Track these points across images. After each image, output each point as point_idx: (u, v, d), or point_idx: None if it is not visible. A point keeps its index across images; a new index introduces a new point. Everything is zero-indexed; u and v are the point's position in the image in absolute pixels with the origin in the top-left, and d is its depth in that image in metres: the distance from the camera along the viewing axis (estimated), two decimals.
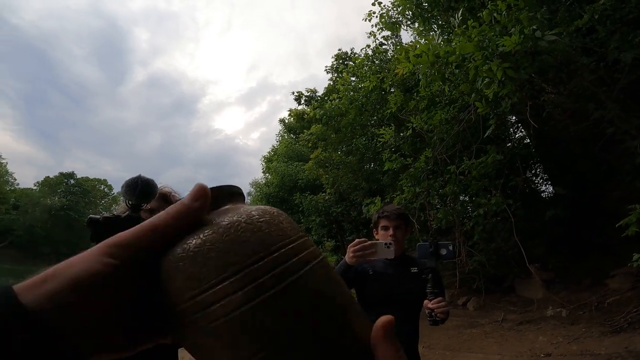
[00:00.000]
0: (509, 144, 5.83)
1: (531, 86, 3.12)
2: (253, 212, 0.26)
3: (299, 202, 15.52)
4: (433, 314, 1.46)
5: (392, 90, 5.85)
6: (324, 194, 14.46)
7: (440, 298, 1.48)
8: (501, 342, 4.99)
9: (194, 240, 0.24)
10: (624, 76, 2.67)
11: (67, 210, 37.05)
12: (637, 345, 3.59)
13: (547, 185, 7.00)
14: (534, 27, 2.26)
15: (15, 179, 36.78)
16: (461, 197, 6.57)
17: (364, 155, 8.75)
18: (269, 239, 0.25)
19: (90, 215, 1.09)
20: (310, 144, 11.49)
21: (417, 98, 5.21)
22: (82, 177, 41.47)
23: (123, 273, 0.22)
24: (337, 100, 7.09)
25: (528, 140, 6.10)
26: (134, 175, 1.18)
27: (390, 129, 5.97)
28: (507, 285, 6.41)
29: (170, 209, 0.25)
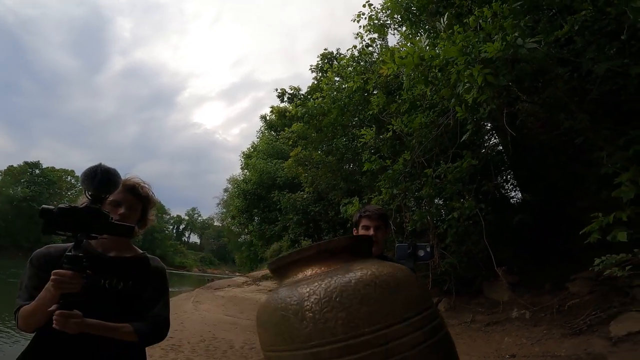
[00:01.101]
0: (484, 150, 5.99)
1: (508, 94, 3.19)
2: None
3: (277, 199, 15.35)
4: None
5: (375, 92, 5.87)
6: (302, 192, 14.38)
7: None
8: (470, 343, 5.11)
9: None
10: (596, 87, 2.78)
11: (30, 201, 34.81)
12: (595, 347, 3.75)
13: (517, 192, 7.29)
14: (516, 34, 2.30)
15: None
16: (436, 200, 6.69)
17: (343, 156, 8.75)
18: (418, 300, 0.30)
19: (43, 205, 1.00)
20: (290, 142, 11.39)
21: (399, 101, 5.25)
22: (48, 167, 39.13)
23: None
24: (320, 99, 7.04)
25: (501, 147, 6.32)
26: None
27: (371, 130, 5.98)
28: (476, 287, 6.59)
29: None
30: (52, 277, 0.99)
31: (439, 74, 3.03)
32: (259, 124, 23.57)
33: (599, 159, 2.85)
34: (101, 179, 1.04)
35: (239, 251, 31.34)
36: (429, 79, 3.07)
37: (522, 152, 5.82)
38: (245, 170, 20.91)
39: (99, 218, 1.03)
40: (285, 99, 16.04)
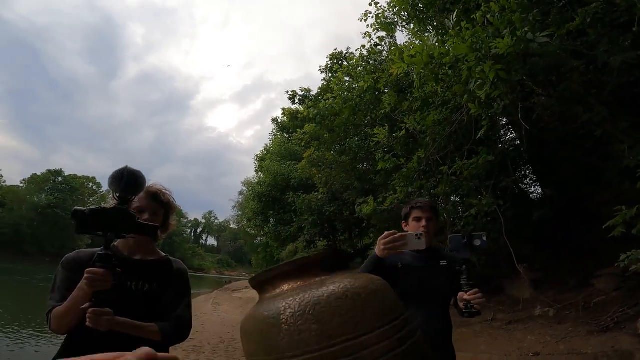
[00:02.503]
0: (500, 145, 5.90)
1: (522, 88, 3.16)
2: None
3: (291, 201, 15.49)
4: (469, 305, 1.44)
5: (386, 90, 5.88)
6: (316, 193, 14.46)
7: (476, 289, 1.46)
8: (490, 341, 5.04)
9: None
10: (613, 80, 2.72)
11: (54, 208, 36.28)
12: (622, 345, 3.66)
13: (536, 187, 7.12)
14: (526, 29, 2.29)
15: (2, 176, 35.88)
16: (452, 198, 6.63)
17: (357, 155, 8.75)
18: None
19: (76, 207, 1.06)
20: (303, 143, 11.49)
21: (411, 99, 5.24)
22: (70, 175, 40.68)
23: None
24: (331, 100, 7.09)
25: (518, 142, 6.20)
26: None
27: (384, 129, 5.99)
28: (496, 285, 6.49)
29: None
30: (85, 275, 1.05)
31: (450, 71, 3.04)
32: (272, 126, 23.80)
33: (618, 152, 2.78)
34: (127, 181, 1.09)
35: (256, 253, 31.70)
36: (440, 76, 3.08)
37: (540, 147, 5.70)
38: (260, 173, 21.18)
39: (127, 218, 1.09)
40: (297, 100, 16.16)
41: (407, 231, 1.68)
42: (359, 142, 8.58)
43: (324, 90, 9.96)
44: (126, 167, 1.11)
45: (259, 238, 26.70)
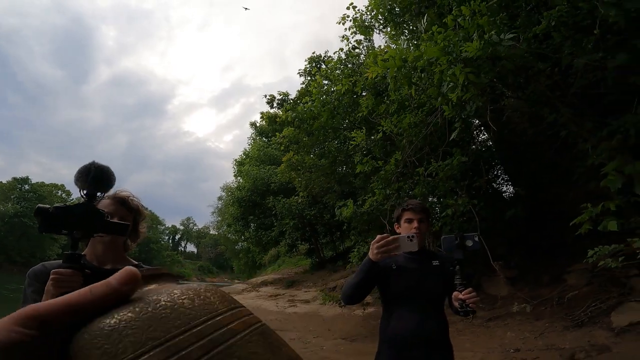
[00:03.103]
0: (473, 146, 6.04)
1: (492, 91, 3.23)
2: (175, 291, 0.27)
3: (272, 205, 15.32)
4: (464, 304, 1.46)
5: (364, 93, 5.90)
6: (297, 197, 14.37)
7: (470, 289, 1.48)
8: (473, 339, 5.10)
9: (109, 320, 0.24)
10: (577, 81, 2.82)
11: (21, 217, 34.29)
12: (598, 339, 3.78)
13: (508, 186, 7.34)
14: (493, 32, 2.33)
15: None
16: (430, 199, 6.72)
17: (336, 158, 8.76)
18: (192, 314, 0.25)
19: (39, 205, 1.00)
20: (282, 147, 11.36)
21: (388, 102, 5.28)
22: (38, 182, 38.61)
23: (34, 346, 0.23)
24: (309, 103, 7.04)
25: (490, 143, 6.37)
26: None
27: (362, 132, 6.00)
28: (475, 283, 6.61)
29: (95, 288, 0.25)
30: (51, 276, 0.98)
31: (423, 74, 3.06)
32: (250, 130, 23.54)
33: (584, 151, 2.89)
34: (94, 175, 1.03)
35: (237, 258, 31.14)
36: (413, 80, 3.10)
37: (510, 147, 5.87)
38: (239, 178, 20.83)
39: (95, 216, 1.02)
40: (275, 104, 16.07)
41: (399, 233, 1.69)
42: (338, 145, 8.58)
43: (302, 94, 9.93)
44: (93, 162, 1.05)
45: (239, 243, 26.23)
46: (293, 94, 15.65)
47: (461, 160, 4.52)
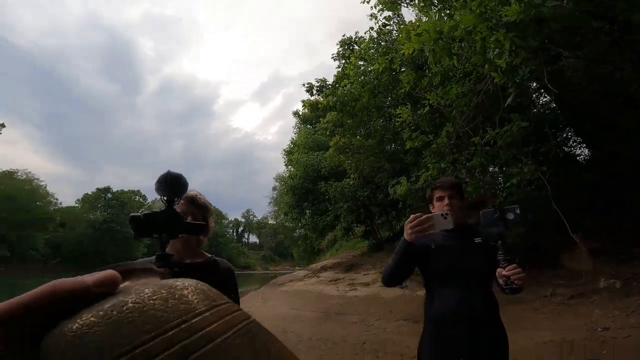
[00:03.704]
0: (534, 110, 5.52)
1: (546, 52, 2.91)
2: (146, 291, 0.25)
3: (324, 190, 15.68)
4: (509, 281, 1.41)
5: (403, 69, 5.71)
6: (348, 179, 14.49)
7: (515, 265, 1.42)
8: (553, 317, 4.84)
9: (72, 325, 0.23)
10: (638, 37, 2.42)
11: (109, 222, 39.79)
12: None
13: (582, 149, 6.55)
14: None
15: (57, 199, 39.83)
16: (490, 168, 6.36)
17: (383, 137, 8.65)
18: (164, 316, 0.23)
19: (132, 213, 1.16)
20: (328, 132, 11.51)
21: (430, 75, 5.06)
22: (118, 190, 44.23)
23: None
24: (348, 86, 7.03)
25: (554, 105, 5.73)
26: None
27: (407, 108, 5.85)
28: (551, 258, 6.16)
29: (62, 284, 0.24)
30: None
31: (462, 44, 2.88)
32: (294, 119, 24.02)
33: None
34: (171, 183, 1.17)
35: (296, 245, 32.63)
36: (453, 50, 2.94)
37: (576, 109, 5.23)
38: (289, 167, 21.56)
39: (176, 219, 1.17)
40: (314, 91, 16.18)
41: (433, 212, 1.67)
42: (384, 123, 8.44)
43: (339, 77, 9.89)
44: (168, 171, 1.19)
45: (297, 231, 27.40)
46: (330, 79, 15.62)
47: (521, 126, 4.19)
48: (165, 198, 1.17)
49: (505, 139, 4.49)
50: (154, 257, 1.27)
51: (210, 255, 1.54)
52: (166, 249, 1.17)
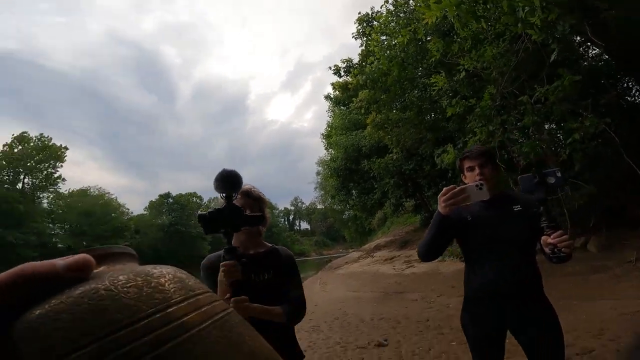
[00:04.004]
0: (585, 63, 4.88)
1: (584, 6, 2.53)
2: (120, 278, 0.25)
3: (367, 168, 15.54)
4: (556, 249, 1.34)
5: (429, 38, 5.40)
6: (391, 154, 14.19)
7: (561, 231, 1.35)
8: (638, 285, 4.39)
9: (40, 310, 0.22)
10: None
11: (175, 225, 43.78)
12: None
13: None
14: None
15: (128, 208, 44.63)
16: (546, 126, 5.83)
17: (421, 108, 8.35)
18: (137, 305, 0.23)
19: (199, 212, 1.24)
20: (363, 110, 11.37)
21: (459, 40, 4.72)
22: (177, 194, 48.25)
23: None
24: (375, 62, 6.84)
25: (606, 57, 5.00)
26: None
27: (441, 76, 5.56)
28: (632, 218, 5.51)
29: (33, 266, 0.23)
30: (221, 268, 1.24)
31: (488, 5, 2.63)
32: (326, 103, 23.88)
33: None
34: (227, 179, 1.23)
35: (346, 227, 33.01)
36: (479, 13, 2.70)
37: (630, 57, 4.50)
38: (330, 150, 21.65)
39: (238, 213, 1.23)
40: (342, 72, 15.94)
41: (467, 183, 1.61)
42: (419, 94, 8.13)
43: (364, 55, 9.65)
44: (223, 169, 1.25)
45: (346, 212, 27.68)
46: (355, 59, 15.21)
47: (573, 80, 3.76)
48: (224, 194, 1.24)
49: (557, 94, 4.08)
50: (221, 251, 1.35)
51: (270, 245, 1.62)
52: (232, 242, 1.26)
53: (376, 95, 8.82)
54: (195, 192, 51.16)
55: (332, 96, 21.66)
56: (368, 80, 7.97)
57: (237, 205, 1.24)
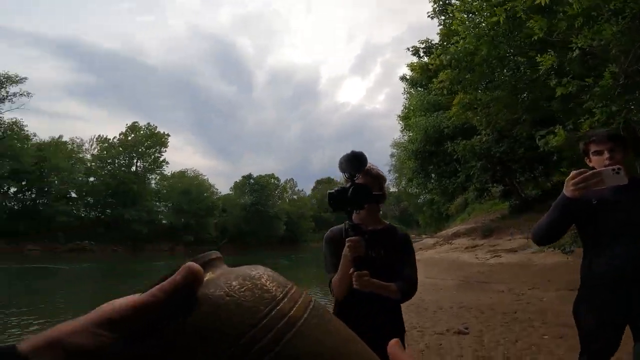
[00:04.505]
0: None
1: None
2: (233, 284, 0.27)
3: (451, 150, 14.91)
4: None
5: (525, 15, 5.01)
6: (479, 136, 13.36)
7: None
8: None
9: (172, 324, 0.25)
10: None
11: (255, 205, 47.58)
12: None
13: None
14: None
15: (217, 189, 49.96)
16: None
17: (515, 87, 7.71)
18: (255, 306, 0.26)
19: (329, 191, 1.32)
20: (445, 91, 10.88)
21: (565, 17, 4.30)
22: (257, 176, 52.22)
23: (115, 348, 0.24)
24: (461, 42, 6.56)
25: None
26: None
27: (551, 55, 5.15)
28: None
29: (163, 286, 0.26)
30: (347, 244, 1.29)
31: None
32: (400, 84, 23.14)
33: None
34: (355, 160, 1.29)
35: (421, 212, 31.98)
36: None
37: None
38: (407, 132, 21.12)
39: (365, 191, 1.30)
40: (422, 53, 15.33)
41: (592, 167, 1.61)
42: (510, 73, 7.56)
43: (445, 34, 9.19)
44: (351, 151, 1.31)
45: (421, 197, 26.81)
46: (430, 38, 14.50)
47: None
48: (348, 174, 1.30)
49: None
50: (343, 225, 1.45)
51: (388, 223, 1.66)
52: (352, 219, 1.32)
53: (460, 75, 8.42)
54: (273, 174, 54.77)
55: (407, 77, 20.95)
56: (453, 60, 7.66)
57: (365, 185, 1.31)
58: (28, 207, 31.27)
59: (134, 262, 23.76)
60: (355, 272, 1.28)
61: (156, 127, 41.47)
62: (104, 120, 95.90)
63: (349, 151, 1.31)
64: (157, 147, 40.95)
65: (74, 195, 34.87)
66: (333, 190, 1.32)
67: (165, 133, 41.97)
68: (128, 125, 40.43)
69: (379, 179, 1.56)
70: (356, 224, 1.31)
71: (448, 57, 7.66)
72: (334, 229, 1.61)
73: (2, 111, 30.60)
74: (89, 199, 35.72)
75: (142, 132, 40.30)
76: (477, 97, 9.04)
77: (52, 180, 32.18)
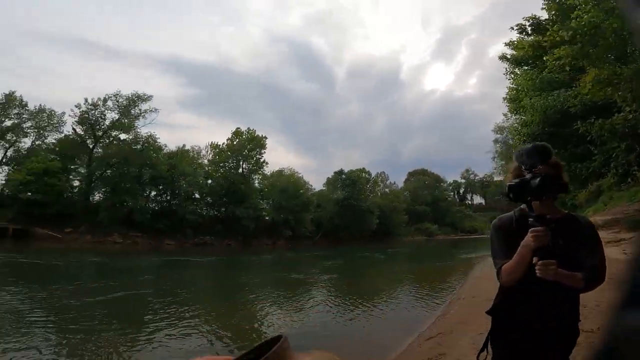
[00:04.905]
0: None
1: None
2: None
3: (583, 131, 13.22)
4: None
5: None
6: (622, 113, 11.61)
7: None
8: None
9: None
10: None
11: (347, 199, 49.17)
12: None
13: None
14: None
15: (311, 185, 52.89)
16: None
17: None
18: None
19: (509, 183, 1.35)
20: (567, 68, 9.92)
21: None
22: (348, 171, 53.69)
23: None
24: (586, 16, 6.14)
25: None
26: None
27: None
28: None
29: None
30: (530, 234, 1.29)
31: None
32: (497, 65, 21.06)
33: None
34: (537, 152, 1.31)
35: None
36: None
37: None
38: (517, 114, 19.31)
39: (552, 181, 1.30)
40: (529, 31, 14.02)
41: None
42: None
43: (557, 9, 8.47)
44: (535, 142, 1.38)
45: None
46: (542, 15, 13.03)
47: None
48: (527, 165, 1.34)
49: None
50: (511, 213, 1.52)
51: (566, 212, 1.65)
52: (532, 209, 1.35)
53: (583, 49, 7.71)
54: (364, 168, 55.54)
55: (508, 57, 19.07)
56: (577, 35, 7.13)
57: (552, 176, 1.34)
58: (165, 208, 38.16)
59: (244, 255, 27.24)
60: (540, 261, 1.30)
61: (255, 130, 46.25)
62: (213, 127, 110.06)
63: (529, 145, 1.43)
64: (258, 150, 45.69)
65: (197, 196, 41.43)
66: (513, 182, 1.39)
67: (263, 135, 46.47)
68: (232, 131, 46.10)
69: (557, 167, 1.56)
70: (541, 215, 1.35)
71: (570, 32, 7.15)
72: (503, 217, 1.66)
73: (140, 127, 37.94)
74: (208, 199, 42.01)
75: (244, 136, 45.50)
76: (616, 71, 8.16)
77: (181, 184, 38.71)
